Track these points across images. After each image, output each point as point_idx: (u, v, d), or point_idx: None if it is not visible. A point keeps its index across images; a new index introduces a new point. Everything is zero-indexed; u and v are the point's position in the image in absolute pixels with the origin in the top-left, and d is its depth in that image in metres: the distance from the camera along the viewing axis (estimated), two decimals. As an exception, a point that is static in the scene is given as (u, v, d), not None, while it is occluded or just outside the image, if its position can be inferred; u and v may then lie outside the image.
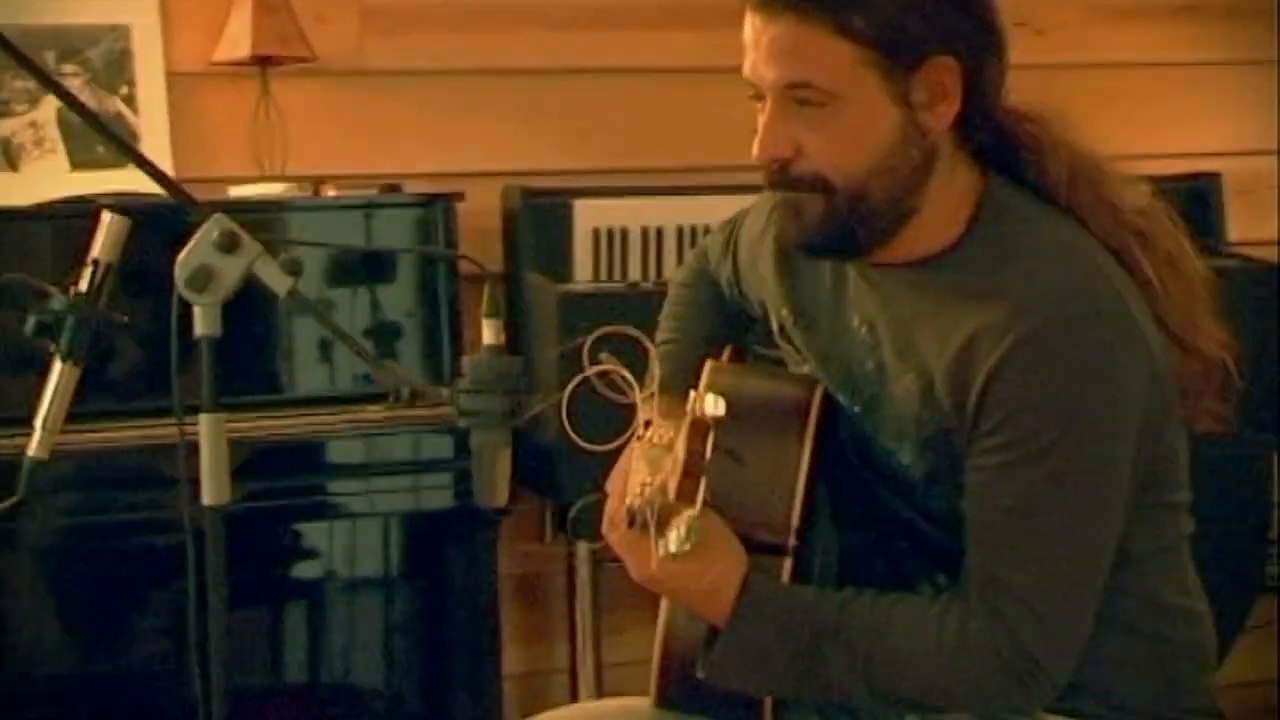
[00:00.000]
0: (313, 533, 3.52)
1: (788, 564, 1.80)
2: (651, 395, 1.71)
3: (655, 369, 1.75)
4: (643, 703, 1.94)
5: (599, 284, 3.51)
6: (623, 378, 1.69)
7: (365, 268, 3.40)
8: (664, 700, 1.89)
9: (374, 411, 3.12)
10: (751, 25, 1.78)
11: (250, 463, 3.04)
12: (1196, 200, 3.96)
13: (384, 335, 3.39)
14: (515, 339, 3.15)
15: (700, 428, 1.59)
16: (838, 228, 1.79)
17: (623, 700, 2.05)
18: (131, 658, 3.31)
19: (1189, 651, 1.91)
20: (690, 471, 1.59)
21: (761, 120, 1.79)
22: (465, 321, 3.30)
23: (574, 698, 3.63)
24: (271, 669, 3.55)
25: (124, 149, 2.00)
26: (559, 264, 3.54)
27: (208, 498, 1.95)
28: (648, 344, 1.79)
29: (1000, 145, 1.87)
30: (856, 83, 1.74)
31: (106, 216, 1.96)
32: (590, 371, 1.72)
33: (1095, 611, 1.78)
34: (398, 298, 3.41)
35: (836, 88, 1.74)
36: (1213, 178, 4.00)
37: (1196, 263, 1.89)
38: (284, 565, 3.56)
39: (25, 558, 3.16)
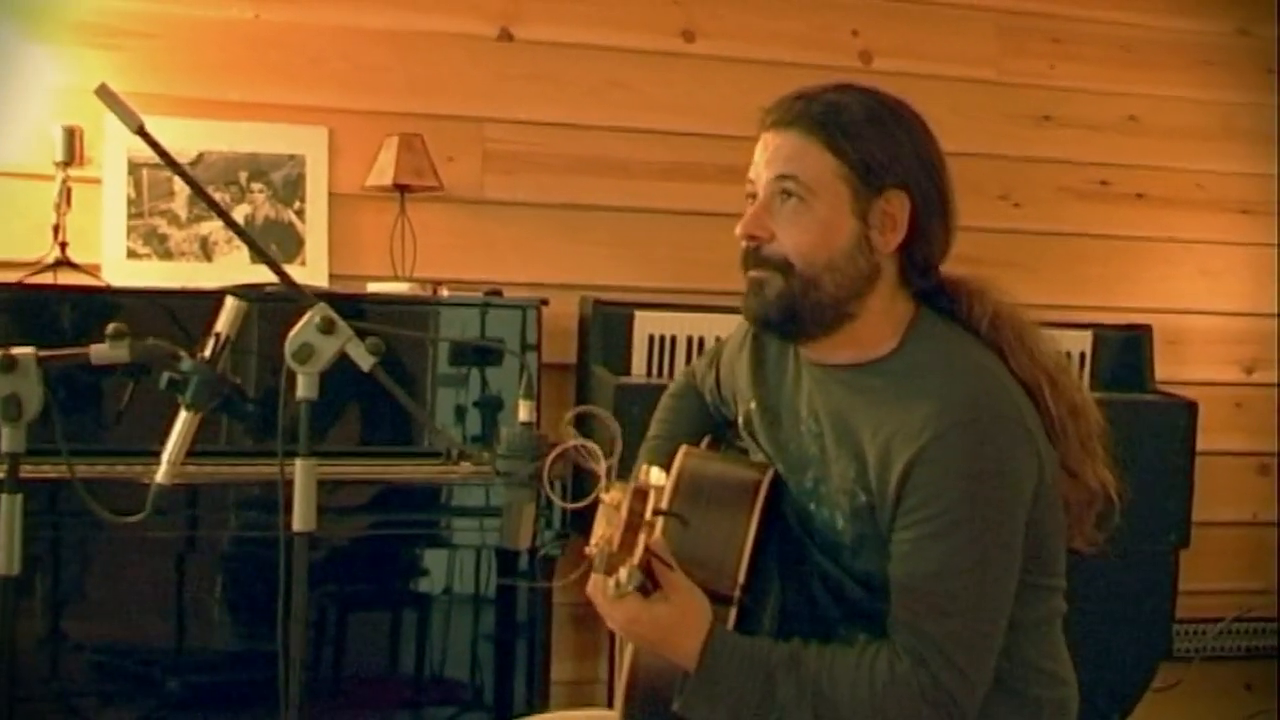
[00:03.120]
0: (418, 556, 3.50)
1: (733, 613, 1.76)
2: (612, 466, 1.68)
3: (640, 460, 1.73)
4: (610, 715, 1.88)
5: (649, 379, 3.48)
6: (588, 449, 1.67)
7: (477, 352, 3.39)
8: (630, 714, 1.84)
9: (464, 467, 3.10)
10: (763, 141, 1.81)
11: (377, 498, 3.07)
12: (1132, 346, 3.89)
13: (487, 405, 3.37)
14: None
15: (642, 493, 1.57)
16: (789, 307, 1.78)
17: (592, 711, 2.00)
18: (225, 642, 3.31)
19: (1054, 709, 1.85)
20: (631, 527, 1.56)
21: (750, 209, 1.80)
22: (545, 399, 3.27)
23: (610, 704, 3.57)
24: (386, 658, 3.52)
25: (258, 250, 1.99)
26: (620, 361, 3.52)
27: (297, 525, 1.93)
28: (609, 419, 1.76)
29: (939, 293, 1.86)
30: (831, 189, 1.75)
31: (229, 300, 1.95)
32: (567, 444, 1.70)
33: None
34: (499, 378, 3.37)
35: (816, 186, 1.75)
36: (1146, 329, 3.92)
37: (1096, 413, 1.86)
38: (396, 579, 3.54)
39: (155, 560, 3.17)
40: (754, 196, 1.81)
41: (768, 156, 1.79)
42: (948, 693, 1.68)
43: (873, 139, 1.75)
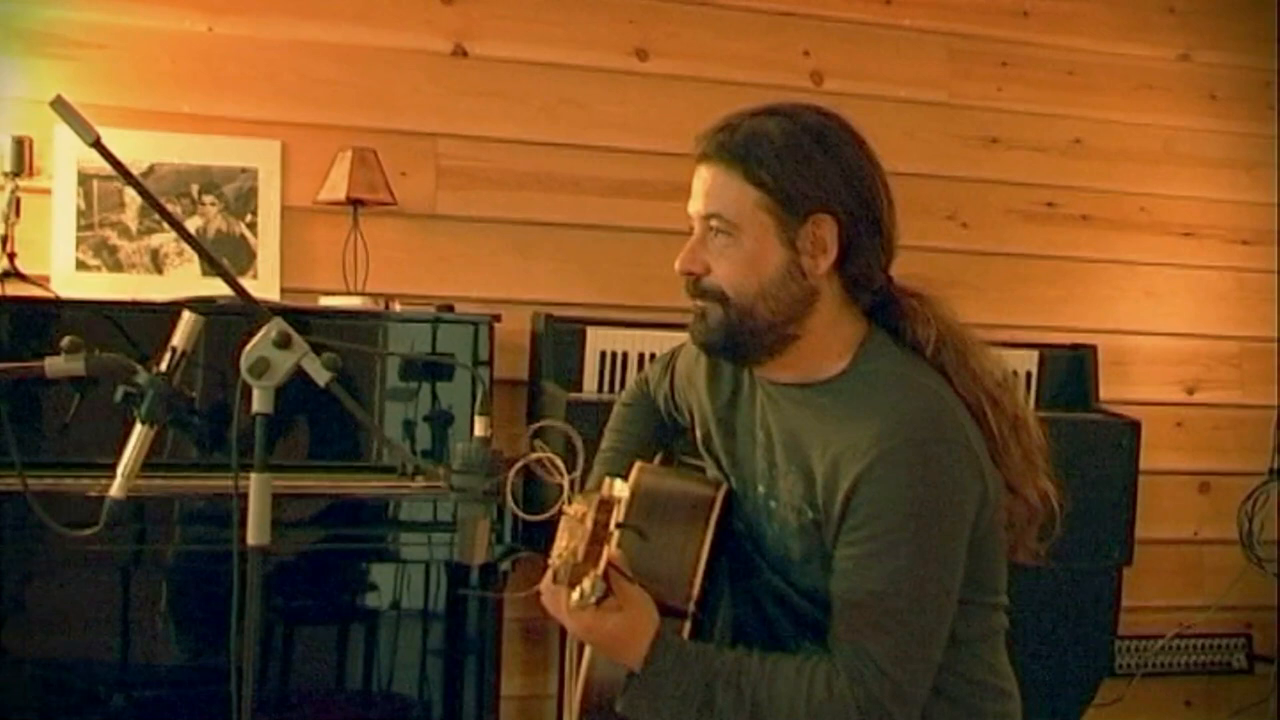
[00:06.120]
0: (367, 570, 3.49)
1: (687, 626, 1.78)
2: (574, 479, 1.70)
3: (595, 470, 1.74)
4: (564, 729, 1.90)
5: (601, 395, 3.49)
6: (552, 462, 1.69)
7: (427, 367, 3.39)
8: None
9: (414, 482, 3.10)
10: (696, 173, 1.84)
11: (326, 512, 3.06)
12: (1077, 366, 3.95)
13: (437, 420, 3.37)
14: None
15: (606, 505, 1.59)
16: (729, 334, 1.82)
17: (547, 727, 2.01)
18: (172, 658, 3.29)
19: (998, 722, 1.88)
20: (596, 539, 1.59)
21: (687, 244, 1.84)
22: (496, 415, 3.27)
23: (560, 719, 3.57)
24: (335, 673, 3.50)
25: (214, 264, 1.96)
26: (572, 377, 3.53)
27: (252, 539, 1.91)
28: (573, 434, 1.78)
29: (886, 308, 1.88)
30: (755, 220, 1.78)
31: (186, 314, 1.94)
32: (531, 457, 1.72)
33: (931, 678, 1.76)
34: (450, 393, 3.38)
35: (740, 220, 1.79)
36: (1090, 349, 3.98)
37: (1037, 430, 1.90)
38: (345, 594, 3.53)
39: (103, 574, 3.15)
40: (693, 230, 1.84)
41: (697, 191, 1.83)
42: (884, 709, 1.70)
43: (792, 166, 1.77)
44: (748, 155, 1.77)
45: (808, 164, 1.78)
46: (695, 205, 1.82)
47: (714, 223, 1.79)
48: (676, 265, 1.83)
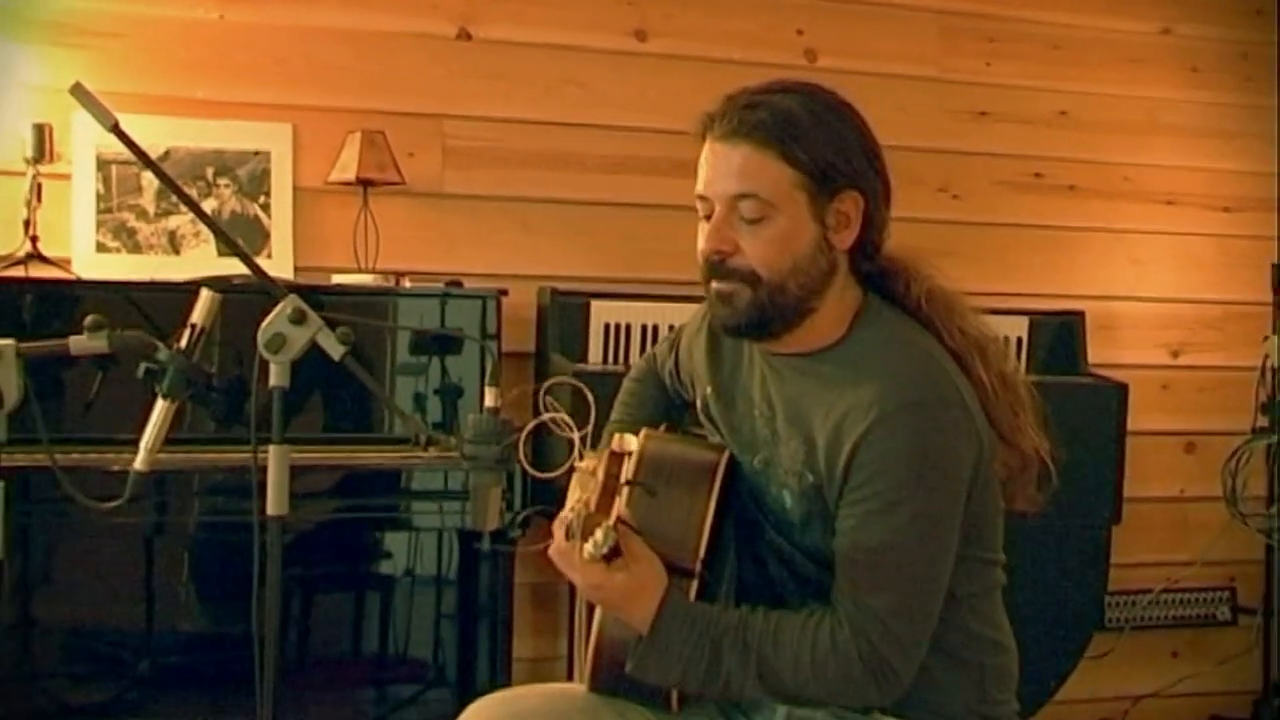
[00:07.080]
0: (381, 539, 3.53)
1: (694, 585, 1.80)
2: (585, 434, 1.72)
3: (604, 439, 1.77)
4: (577, 687, 1.92)
5: (606, 366, 3.52)
6: (564, 421, 1.71)
7: (436, 341, 3.41)
8: (596, 686, 1.88)
9: (427, 452, 3.11)
10: (712, 151, 1.81)
11: (340, 483, 3.09)
12: (1065, 331, 3.96)
13: (448, 392, 3.39)
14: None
15: (618, 458, 1.61)
16: (758, 314, 1.80)
17: (561, 685, 2.03)
18: (194, 625, 3.34)
19: (995, 674, 1.91)
20: (608, 490, 1.60)
21: (710, 223, 1.81)
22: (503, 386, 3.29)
23: (570, 679, 3.60)
24: (351, 639, 3.55)
25: (230, 244, 1.99)
26: (577, 348, 3.54)
27: (271, 509, 1.94)
28: (584, 389, 1.80)
29: (881, 274, 1.89)
30: (790, 199, 1.77)
31: (204, 292, 1.97)
32: (544, 417, 1.74)
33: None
34: (459, 366, 3.40)
35: (775, 200, 1.77)
36: (1078, 315, 4.00)
37: (1026, 382, 1.91)
38: (360, 562, 3.56)
39: (127, 545, 3.20)
40: (708, 207, 1.81)
41: (722, 170, 1.78)
42: (885, 661, 1.73)
43: (823, 143, 1.76)
44: (782, 134, 1.75)
45: (836, 139, 1.78)
46: (719, 184, 1.79)
47: (746, 202, 1.77)
48: (703, 245, 1.80)
